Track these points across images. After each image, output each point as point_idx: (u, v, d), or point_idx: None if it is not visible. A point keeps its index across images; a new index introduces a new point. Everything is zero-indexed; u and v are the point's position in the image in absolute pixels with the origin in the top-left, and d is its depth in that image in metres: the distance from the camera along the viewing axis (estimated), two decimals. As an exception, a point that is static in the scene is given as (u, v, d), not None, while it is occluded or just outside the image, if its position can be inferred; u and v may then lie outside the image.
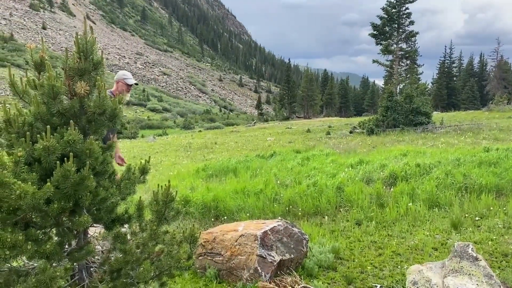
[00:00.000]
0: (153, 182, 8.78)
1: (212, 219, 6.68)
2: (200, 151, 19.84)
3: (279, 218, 5.89)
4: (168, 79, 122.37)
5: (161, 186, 2.94)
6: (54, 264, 2.44)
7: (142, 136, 40.37)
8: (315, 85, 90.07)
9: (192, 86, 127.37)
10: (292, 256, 4.26)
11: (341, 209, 6.78)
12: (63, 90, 2.52)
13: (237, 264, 4.13)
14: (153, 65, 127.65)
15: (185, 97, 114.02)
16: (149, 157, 3.49)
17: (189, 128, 56.71)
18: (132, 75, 4.99)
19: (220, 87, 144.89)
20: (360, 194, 6.98)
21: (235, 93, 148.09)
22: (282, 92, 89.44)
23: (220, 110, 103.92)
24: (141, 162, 3.13)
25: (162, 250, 3.11)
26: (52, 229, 2.60)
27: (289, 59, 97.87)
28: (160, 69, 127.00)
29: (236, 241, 4.25)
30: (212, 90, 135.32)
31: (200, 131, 46.99)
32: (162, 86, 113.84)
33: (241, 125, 56.94)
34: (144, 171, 3.17)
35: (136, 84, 4.92)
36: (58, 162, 2.30)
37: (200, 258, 4.44)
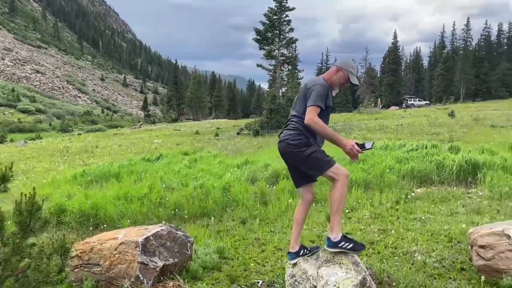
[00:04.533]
0: (24, 190, 7.92)
1: (91, 228, 6.27)
2: (79, 156, 18.50)
3: (163, 222, 5.75)
4: (42, 77, 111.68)
5: (25, 195, 2.66)
6: None
7: (12, 141, 36.22)
8: (203, 87, 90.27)
9: (71, 86, 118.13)
10: (176, 260, 4.19)
11: (227, 209, 6.87)
12: None
13: (117, 274, 3.93)
14: (24, 62, 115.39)
15: (63, 97, 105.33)
16: (12, 163, 3.13)
17: (67, 131, 52.37)
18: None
19: (102, 87, 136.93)
20: (245, 194, 7.17)
21: (119, 94, 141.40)
22: (170, 93, 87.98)
23: (103, 112, 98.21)
24: (1, 169, 2.80)
25: (29, 265, 2.82)
26: None
27: (176, 60, 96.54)
28: (32, 66, 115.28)
29: (115, 250, 4.03)
30: (93, 90, 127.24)
31: (79, 134, 43.74)
32: (36, 86, 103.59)
33: (126, 127, 54.52)
34: (4, 178, 2.84)
35: None
36: None
37: (76, 270, 4.12)
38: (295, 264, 3.51)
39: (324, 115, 3.37)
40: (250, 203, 6.84)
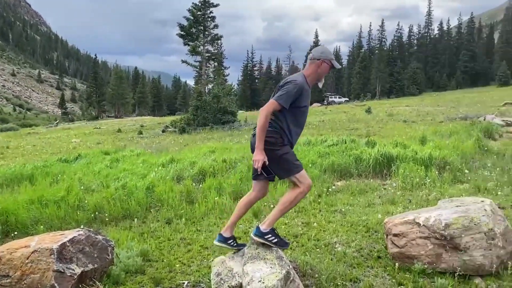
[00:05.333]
0: None
1: (0, 237, 5.74)
2: (-14, 158, 16.89)
3: (82, 226, 5.43)
4: None
5: None
6: None
7: None
8: (125, 83, 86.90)
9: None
10: (96, 265, 3.97)
11: (151, 210, 6.66)
12: None
13: (29, 284, 3.63)
14: None
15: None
16: None
17: (-28, 131, 47.63)
18: None
19: (13, 83, 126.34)
20: (170, 193, 7.00)
21: (33, 90, 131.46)
22: (90, 89, 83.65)
23: (14, 110, 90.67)
24: None
25: None
26: None
27: (95, 55, 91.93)
28: None
29: (27, 259, 3.72)
30: (3, 86, 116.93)
31: (-14, 134, 40.01)
32: None
33: (41, 126, 50.84)
34: None
35: None
36: None
37: (-20, 284, 3.74)
38: (221, 263, 3.49)
39: (298, 114, 3.36)
40: (176, 202, 6.69)
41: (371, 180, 7.82)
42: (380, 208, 5.80)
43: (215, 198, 6.73)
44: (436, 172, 7.58)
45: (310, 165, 8.35)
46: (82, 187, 7.68)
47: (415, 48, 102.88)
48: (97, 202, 6.71)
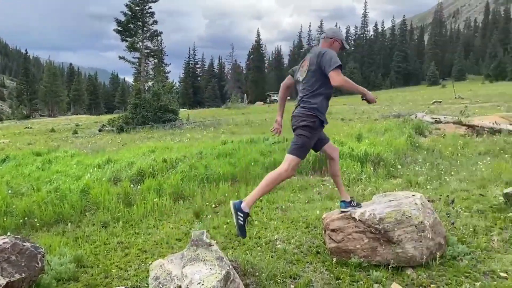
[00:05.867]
0: None
1: None
2: None
3: (8, 233, 5.05)
4: None
5: None
6: None
7: None
8: (59, 80, 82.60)
9: None
10: (24, 275, 3.70)
11: (86, 213, 6.35)
12: None
13: None
14: None
15: None
16: None
17: None
18: None
19: None
20: (107, 195, 6.70)
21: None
22: (20, 86, 78.57)
23: None
24: None
25: None
26: None
27: (26, 50, 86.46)
28: None
29: None
30: None
31: None
32: None
33: (-37, 126, 46.89)
34: None
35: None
36: None
37: None
38: (160, 266, 3.39)
39: (329, 81, 3.51)
40: (113, 205, 6.41)
41: (311, 176, 7.99)
42: (319, 204, 5.93)
43: (155, 200, 6.55)
44: (371, 168, 7.89)
45: (252, 164, 8.38)
46: (10, 191, 7.15)
47: (352, 48, 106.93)
48: (27, 206, 6.28)
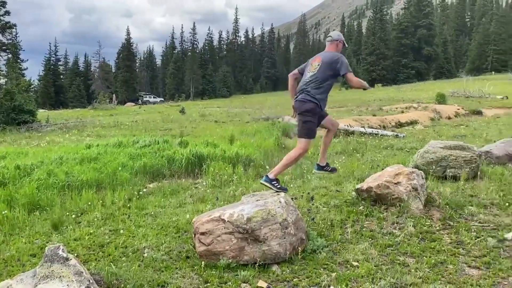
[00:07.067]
0: None
1: None
2: None
3: None
4: None
5: None
6: None
7: None
8: None
9: None
10: None
11: None
12: None
13: None
14: None
15: None
16: None
17: None
18: None
19: None
20: None
21: None
22: None
23: None
24: None
25: None
26: None
27: None
28: None
29: None
30: None
31: None
32: None
33: None
34: None
35: None
36: None
37: None
38: (8, 287, 2.96)
39: (334, 79, 4.60)
40: (-51, 221, 5.48)
41: (183, 180, 7.92)
42: (191, 207, 5.88)
43: (4, 212, 5.77)
44: (242, 169, 8.13)
45: (120, 169, 7.95)
46: None
47: (225, 53, 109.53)
48: None
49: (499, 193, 5.57)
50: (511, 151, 7.53)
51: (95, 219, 5.63)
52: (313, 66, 4.60)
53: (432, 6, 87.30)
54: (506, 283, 3.37)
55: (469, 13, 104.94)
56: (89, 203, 6.31)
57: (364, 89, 4.80)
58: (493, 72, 65.43)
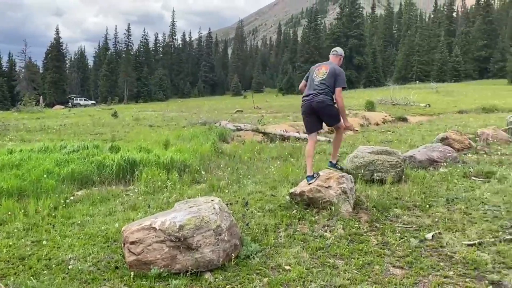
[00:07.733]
0: None
1: None
2: None
3: None
4: None
5: None
6: None
7: None
8: None
9: None
10: None
11: None
12: None
13: None
14: None
15: None
16: None
17: None
18: None
19: None
20: None
21: None
22: None
23: None
24: None
25: None
26: None
27: None
28: None
29: None
30: None
31: None
32: None
33: None
34: None
35: None
36: None
37: None
38: None
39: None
40: None
41: (114, 186, 7.59)
42: (121, 215, 5.65)
43: None
44: (177, 175, 7.97)
45: (45, 176, 7.46)
46: None
47: (161, 55, 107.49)
48: None
49: (421, 195, 5.95)
50: (432, 155, 8.08)
51: (16, 230, 5.23)
52: (320, 72, 5.54)
53: (363, 18, 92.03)
54: (426, 281, 3.58)
55: (396, 25, 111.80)
56: (9, 212, 5.85)
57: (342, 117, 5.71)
58: (417, 82, 69.96)
